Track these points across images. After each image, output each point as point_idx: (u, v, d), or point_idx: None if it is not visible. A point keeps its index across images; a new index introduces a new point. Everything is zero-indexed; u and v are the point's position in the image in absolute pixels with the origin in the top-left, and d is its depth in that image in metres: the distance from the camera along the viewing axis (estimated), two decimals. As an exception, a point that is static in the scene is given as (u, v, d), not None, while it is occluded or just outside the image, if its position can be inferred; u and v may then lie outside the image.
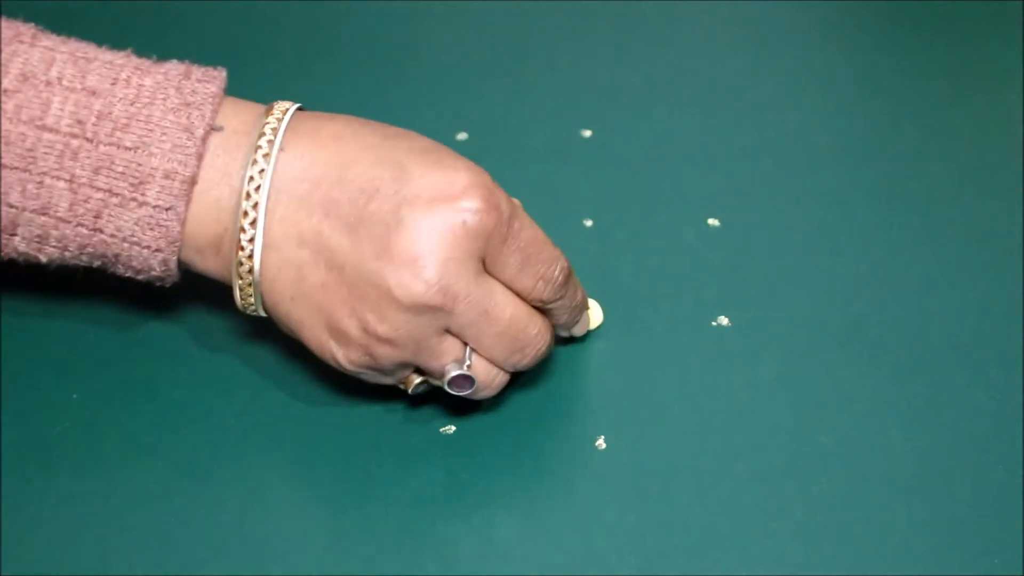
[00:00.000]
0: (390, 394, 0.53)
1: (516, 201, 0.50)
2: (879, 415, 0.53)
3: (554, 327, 0.52)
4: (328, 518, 0.49)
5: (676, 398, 0.53)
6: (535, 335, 0.49)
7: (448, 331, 0.48)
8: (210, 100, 0.49)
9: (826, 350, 0.55)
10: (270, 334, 0.54)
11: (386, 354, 0.48)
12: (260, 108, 0.50)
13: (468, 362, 0.49)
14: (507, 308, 0.48)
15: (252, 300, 0.50)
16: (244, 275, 0.49)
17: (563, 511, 0.49)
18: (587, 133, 0.66)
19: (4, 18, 0.48)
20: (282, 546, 0.48)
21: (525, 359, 0.50)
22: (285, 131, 0.49)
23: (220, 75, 0.50)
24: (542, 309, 0.50)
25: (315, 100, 0.64)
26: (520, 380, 0.53)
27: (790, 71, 0.70)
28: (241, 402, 0.53)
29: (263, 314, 0.50)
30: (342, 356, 0.49)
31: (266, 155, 0.48)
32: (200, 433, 0.51)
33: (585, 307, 0.54)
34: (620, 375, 0.54)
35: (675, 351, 0.55)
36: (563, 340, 0.55)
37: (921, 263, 0.59)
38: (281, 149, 0.48)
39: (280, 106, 0.50)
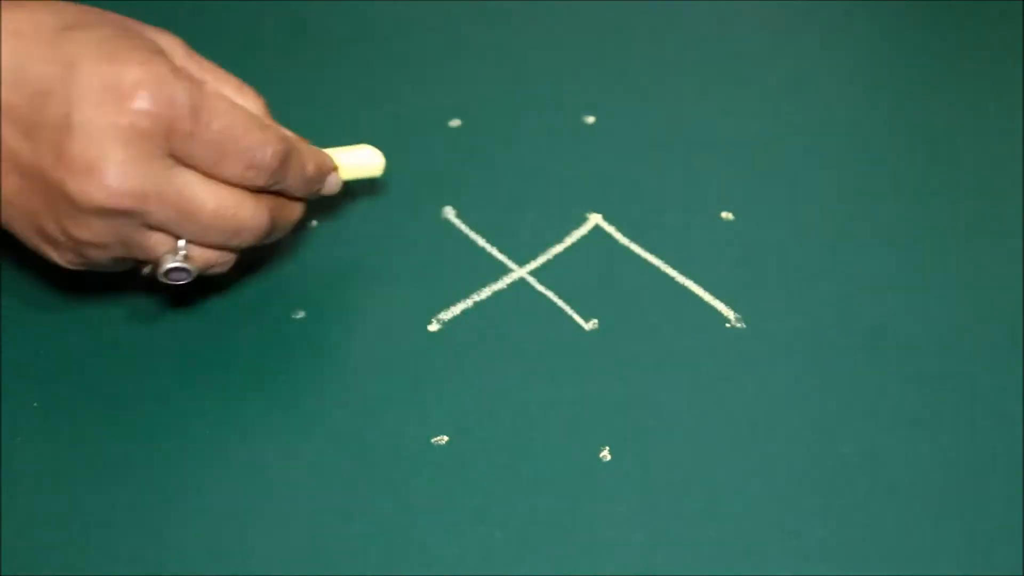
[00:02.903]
0: (377, 400, 0.51)
1: (210, 87, 0.48)
2: (904, 424, 0.52)
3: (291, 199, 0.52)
4: (313, 533, 0.48)
5: (686, 406, 0.52)
6: (249, 219, 0.49)
7: (152, 227, 0.48)
8: None
9: (847, 354, 0.54)
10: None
11: (95, 255, 0.48)
12: None
13: (183, 252, 0.49)
14: (208, 200, 0.48)
15: None
16: None
17: (565, 527, 0.48)
18: (590, 119, 0.65)
19: None
20: (263, 563, 0.47)
21: (244, 242, 0.50)
22: None
23: None
24: (268, 190, 0.50)
25: (302, 82, 0.66)
26: (518, 386, 0.52)
27: (807, 54, 0.70)
28: (215, 411, 0.51)
29: None
30: (58, 257, 0.49)
31: None
32: (171, 444, 0.50)
33: (325, 174, 0.53)
34: (626, 381, 0.53)
35: (685, 354, 0.54)
36: (331, 199, 0.56)
37: (949, 261, 0.58)
38: None
39: None
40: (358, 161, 0.55)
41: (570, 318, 0.55)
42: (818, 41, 0.70)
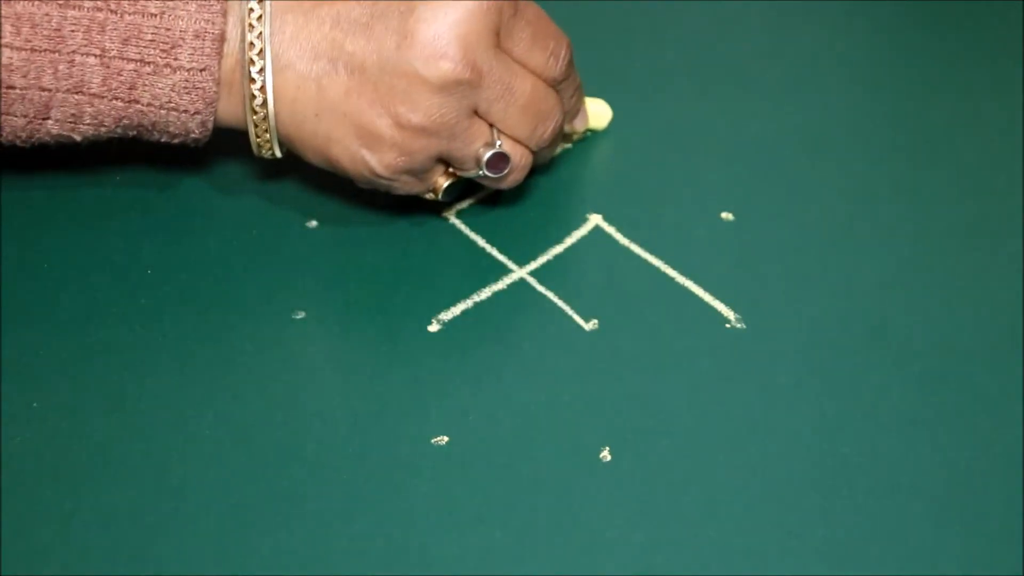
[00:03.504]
0: (377, 400, 0.51)
1: None
2: (904, 424, 0.51)
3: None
4: (313, 533, 0.48)
5: (686, 406, 0.52)
6: (552, 106, 0.54)
7: (475, 113, 0.52)
8: None
9: (847, 354, 0.54)
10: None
11: (421, 147, 0.51)
12: None
13: (499, 142, 0.53)
14: (527, 79, 0.53)
15: (268, 137, 0.52)
16: (258, 109, 0.51)
17: (565, 528, 0.48)
18: (590, 120, 0.64)
19: None
20: (263, 563, 0.47)
21: (546, 131, 0.54)
22: None
23: None
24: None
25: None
26: (518, 386, 0.52)
27: (807, 54, 0.69)
28: (215, 411, 0.51)
29: (279, 154, 0.53)
30: (377, 162, 0.52)
31: None
32: (171, 444, 0.50)
33: (582, 96, 0.59)
34: (626, 381, 0.53)
35: (685, 354, 0.54)
36: (564, 139, 0.60)
37: (949, 261, 0.58)
38: None
39: None
40: (595, 109, 0.61)
41: (570, 318, 0.55)
42: (818, 41, 0.70)
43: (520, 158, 0.54)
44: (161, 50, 0.50)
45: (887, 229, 0.59)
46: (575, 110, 0.58)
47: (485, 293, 0.56)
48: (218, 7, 0.50)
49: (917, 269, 0.57)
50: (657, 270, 0.57)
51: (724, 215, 0.59)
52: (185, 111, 0.51)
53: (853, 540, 0.47)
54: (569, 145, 0.62)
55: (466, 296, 0.55)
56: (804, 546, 0.47)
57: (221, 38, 0.50)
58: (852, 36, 0.71)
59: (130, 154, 0.59)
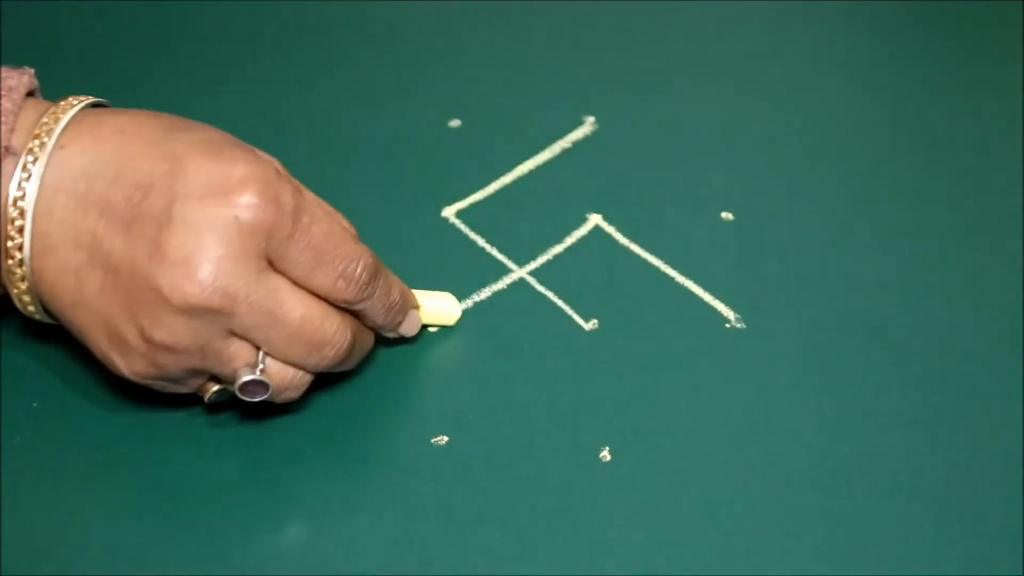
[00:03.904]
0: (377, 400, 0.51)
1: (310, 195, 0.48)
2: (905, 424, 0.51)
3: (371, 327, 0.51)
4: (313, 533, 0.48)
5: (686, 406, 0.52)
6: (333, 334, 0.48)
7: (234, 334, 0.47)
8: (5, 116, 0.46)
9: (847, 354, 0.54)
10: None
11: (169, 362, 0.47)
12: (47, 106, 0.48)
13: (261, 365, 0.47)
14: (297, 308, 0.47)
15: (33, 308, 0.48)
16: (18, 283, 0.47)
17: (565, 528, 0.48)
18: (590, 119, 0.64)
19: None
20: (263, 563, 0.47)
21: (324, 360, 0.48)
22: (67, 127, 0.47)
23: (20, 81, 0.48)
24: (351, 309, 0.49)
25: (302, 82, 0.66)
26: (518, 386, 0.52)
27: (807, 54, 0.69)
28: (214, 411, 0.51)
29: (48, 319, 0.49)
30: (124, 366, 0.47)
31: (34, 160, 0.46)
32: (171, 444, 0.50)
33: (408, 307, 0.52)
34: (626, 381, 0.53)
35: (685, 354, 0.54)
36: (392, 341, 0.53)
37: (949, 261, 0.58)
38: (61, 146, 0.47)
39: (67, 103, 0.48)
40: (437, 307, 0.54)
41: (570, 318, 0.55)
42: (818, 41, 0.70)
43: (291, 380, 0.48)
44: None
45: (887, 229, 0.59)
46: (393, 322, 0.51)
47: (485, 293, 0.56)
48: None
49: (917, 269, 0.57)
50: (657, 270, 0.57)
51: (724, 215, 0.59)
52: None
53: (853, 540, 0.47)
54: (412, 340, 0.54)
55: (466, 296, 0.55)
56: (804, 546, 0.47)
57: None
58: (852, 36, 0.71)
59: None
